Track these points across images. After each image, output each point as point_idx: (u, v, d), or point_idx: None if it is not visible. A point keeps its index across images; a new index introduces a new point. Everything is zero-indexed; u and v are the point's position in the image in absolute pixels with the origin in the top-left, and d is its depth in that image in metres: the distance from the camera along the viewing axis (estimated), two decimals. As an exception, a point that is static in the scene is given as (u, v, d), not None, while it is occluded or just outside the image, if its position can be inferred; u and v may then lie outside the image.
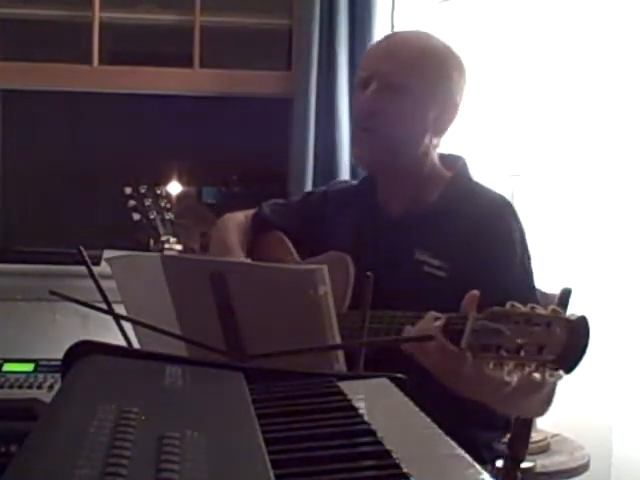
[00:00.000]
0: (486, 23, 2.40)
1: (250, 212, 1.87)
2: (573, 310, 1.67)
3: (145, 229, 1.97)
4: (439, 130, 1.64)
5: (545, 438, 2.35)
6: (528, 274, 1.57)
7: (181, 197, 3.41)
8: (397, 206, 1.66)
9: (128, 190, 2.01)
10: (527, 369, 1.19)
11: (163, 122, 3.56)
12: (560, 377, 1.22)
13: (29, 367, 2.13)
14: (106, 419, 0.66)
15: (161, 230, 1.96)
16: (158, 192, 2.01)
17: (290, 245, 1.74)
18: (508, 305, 1.21)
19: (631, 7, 2.53)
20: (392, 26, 2.55)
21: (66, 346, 0.90)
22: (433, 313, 1.33)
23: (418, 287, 1.51)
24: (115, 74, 2.80)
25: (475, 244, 1.53)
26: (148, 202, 1.98)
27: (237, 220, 1.83)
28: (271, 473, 0.60)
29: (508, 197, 2.41)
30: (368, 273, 1.16)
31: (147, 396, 0.76)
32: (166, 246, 1.93)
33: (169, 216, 1.99)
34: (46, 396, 1.94)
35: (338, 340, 1.24)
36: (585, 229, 2.58)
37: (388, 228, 1.64)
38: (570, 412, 2.54)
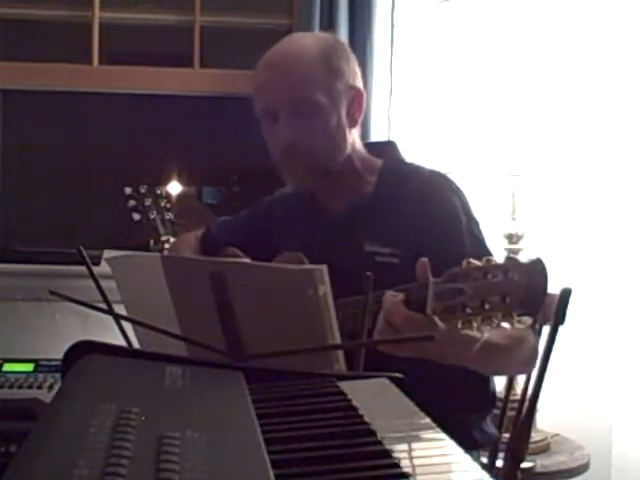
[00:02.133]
0: (486, 23, 2.41)
1: (199, 233, 1.86)
2: (573, 310, 1.68)
3: (145, 229, 1.97)
4: (354, 121, 1.65)
5: (545, 438, 2.35)
6: (479, 239, 1.58)
7: (181, 197, 3.41)
8: (339, 204, 1.67)
9: (128, 190, 2.01)
10: (495, 320, 1.20)
11: (163, 122, 3.56)
12: (527, 322, 1.24)
13: (29, 367, 2.14)
14: (106, 419, 0.66)
15: (161, 230, 1.96)
16: (158, 192, 2.01)
17: (247, 259, 1.73)
18: (464, 263, 1.22)
19: (631, 7, 2.53)
20: (392, 26, 2.55)
21: (66, 346, 0.90)
22: (390, 292, 1.32)
23: (375, 278, 1.51)
24: (115, 74, 2.80)
25: (419, 223, 1.55)
26: (148, 202, 1.98)
27: (187, 242, 1.84)
28: (271, 473, 0.60)
29: (508, 197, 2.43)
30: (368, 273, 1.16)
31: (147, 396, 0.76)
32: (166, 246, 1.93)
33: (169, 216, 1.99)
34: (46, 396, 1.94)
35: (338, 340, 1.24)
36: (586, 229, 2.58)
37: (334, 227, 1.65)
38: (570, 412, 2.54)
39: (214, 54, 2.95)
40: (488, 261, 1.21)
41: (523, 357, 1.53)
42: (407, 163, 1.72)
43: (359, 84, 1.66)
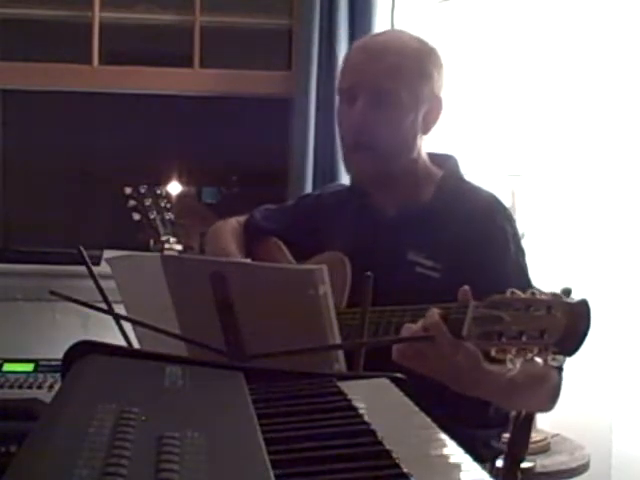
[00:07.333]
0: (486, 23, 2.40)
1: (242, 218, 1.86)
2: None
3: (145, 229, 1.97)
4: (427, 129, 1.65)
5: (545, 438, 2.35)
6: (522, 270, 1.57)
7: (181, 197, 3.41)
8: (391, 207, 1.66)
9: (128, 190, 2.00)
10: (529, 354, 1.18)
11: (163, 122, 3.56)
12: (562, 361, 1.22)
13: (29, 367, 2.14)
14: (106, 419, 0.66)
15: (161, 230, 1.95)
16: (158, 192, 2.01)
17: (286, 250, 1.73)
18: (508, 292, 1.21)
19: (631, 7, 2.53)
20: (392, 26, 2.55)
21: (66, 346, 0.90)
22: (436, 309, 1.31)
23: (411, 288, 1.50)
24: (115, 74, 2.80)
25: (468, 244, 1.53)
26: (148, 202, 1.98)
27: (231, 227, 1.82)
28: (271, 473, 0.60)
29: (508, 197, 2.42)
30: (368, 273, 1.16)
31: (147, 396, 0.76)
32: (166, 246, 1.93)
33: (169, 216, 1.98)
34: (46, 396, 1.94)
35: (338, 340, 1.24)
36: (585, 229, 2.58)
37: (383, 229, 1.64)
38: (570, 412, 2.54)
39: (214, 54, 2.95)
40: (533, 294, 1.19)
41: (543, 397, 1.52)
42: (466, 181, 1.70)
43: (442, 96, 1.64)
